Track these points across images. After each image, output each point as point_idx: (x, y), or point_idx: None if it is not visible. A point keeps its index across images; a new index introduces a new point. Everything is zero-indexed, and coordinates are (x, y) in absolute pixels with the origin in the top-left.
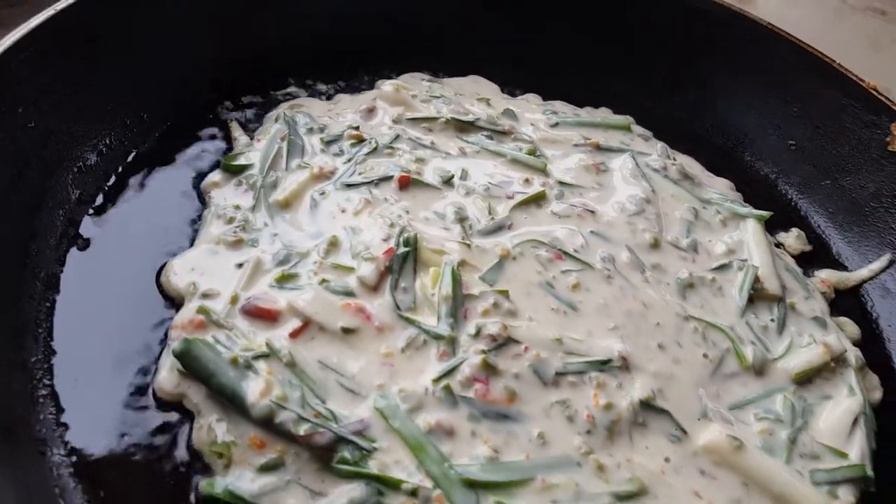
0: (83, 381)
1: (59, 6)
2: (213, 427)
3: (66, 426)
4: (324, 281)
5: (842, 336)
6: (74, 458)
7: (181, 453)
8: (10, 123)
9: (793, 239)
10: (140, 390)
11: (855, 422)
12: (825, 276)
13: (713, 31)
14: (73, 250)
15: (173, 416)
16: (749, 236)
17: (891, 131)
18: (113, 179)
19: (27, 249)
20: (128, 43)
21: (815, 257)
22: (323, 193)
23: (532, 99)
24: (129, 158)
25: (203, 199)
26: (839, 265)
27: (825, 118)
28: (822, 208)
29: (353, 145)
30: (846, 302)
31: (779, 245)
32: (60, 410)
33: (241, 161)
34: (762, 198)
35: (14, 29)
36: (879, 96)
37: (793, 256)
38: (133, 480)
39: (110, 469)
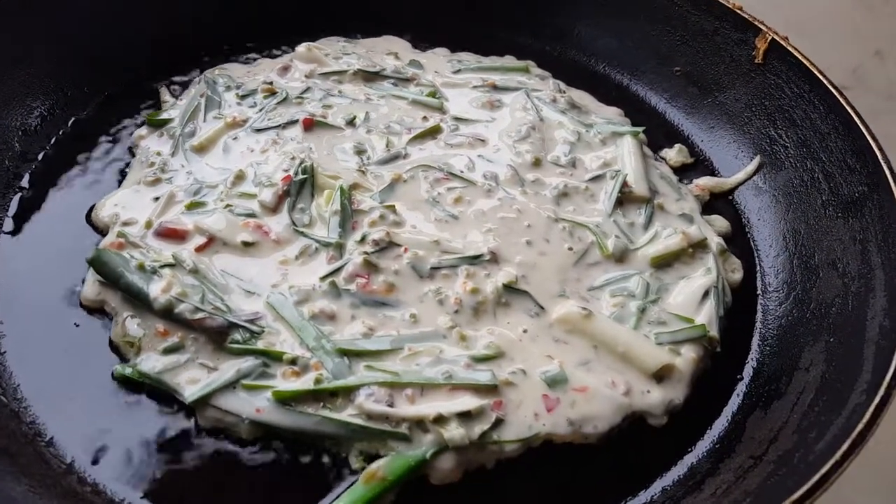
0: (20, 298)
1: None
2: (125, 323)
3: (2, 334)
4: (228, 206)
5: (705, 227)
6: (9, 355)
7: (103, 349)
8: None
9: (674, 153)
10: (70, 302)
11: (706, 295)
12: (702, 182)
13: None
14: (16, 197)
15: (96, 321)
16: (623, 149)
17: (755, 45)
18: (54, 140)
19: None
20: (61, 22)
21: (697, 168)
22: (235, 139)
23: (440, 51)
24: (69, 124)
25: (133, 152)
26: (719, 175)
27: (702, 42)
28: (704, 125)
29: (265, 97)
30: (721, 205)
31: (661, 159)
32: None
33: (164, 116)
34: (652, 123)
35: None
36: (743, 14)
37: (675, 168)
38: (61, 372)
39: (40, 359)
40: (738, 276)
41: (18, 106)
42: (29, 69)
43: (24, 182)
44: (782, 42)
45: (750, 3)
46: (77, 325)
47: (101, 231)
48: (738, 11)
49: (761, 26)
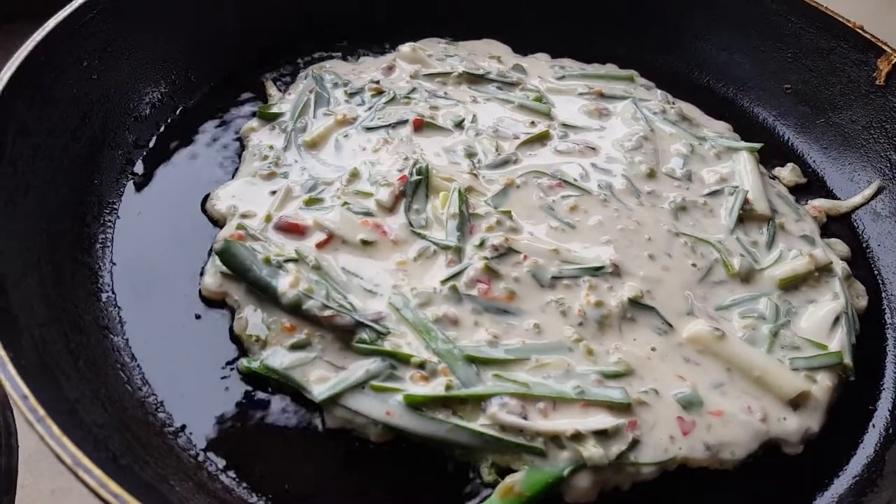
0: (140, 287)
1: None
2: (249, 317)
3: (124, 321)
4: (345, 203)
5: (829, 250)
6: (132, 344)
7: (225, 341)
8: (76, 75)
9: (787, 172)
10: (189, 294)
11: (836, 320)
12: (818, 203)
13: None
14: (130, 184)
15: (218, 313)
16: (741, 166)
17: (877, 66)
18: (163, 128)
19: (91, 180)
20: (174, 14)
21: (810, 189)
22: (346, 136)
23: (541, 57)
24: (177, 112)
25: (242, 143)
26: (833, 196)
27: (817, 60)
28: (816, 145)
29: (373, 96)
30: (839, 228)
31: (774, 178)
32: (119, 308)
33: (275, 110)
34: (761, 139)
35: None
36: (865, 34)
37: (788, 188)
38: (184, 364)
39: (164, 354)
40: (863, 302)
41: (130, 91)
42: (140, 55)
43: (138, 168)
44: None
45: (871, 24)
46: (198, 317)
47: (217, 222)
48: (859, 31)
49: (885, 47)
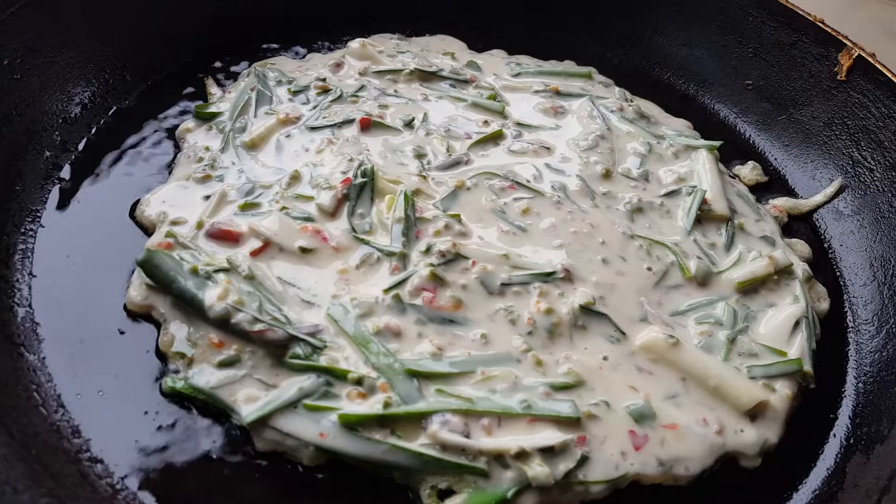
0: (61, 301)
1: None
2: (175, 332)
3: (40, 338)
4: (284, 208)
5: (789, 251)
6: (49, 363)
7: (149, 359)
8: None
9: (748, 170)
10: (113, 307)
11: (796, 325)
12: (779, 202)
13: None
14: (55, 189)
15: (145, 327)
16: (699, 165)
17: (838, 61)
18: (94, 130)
19: (13, 185)
20: (107, 7)
21: (772, 187)
22: (288, 136)
23: (497, 53)
24: (110, 113)
25: (178, 145)
26: (795, 195)
27: (778, 55)
28: (778, 142)
29: (318, 94)
30: (801, 227)
31: (735, 177)
32: (36, 324)
33: (212, 109)
34: (721, 137)
35: None
36: (826, 28)
37: (749, 187)
38: (104, 384)
39: (83, 373)
40: (824, 305)
41: (59, 92)
42: (70, 53)
43: (65, 173)
44: (869, 58)
45: (833, 20)
46: (122, 333)
47: (146, 229)
48: (820, 25)
49: (846, 41)
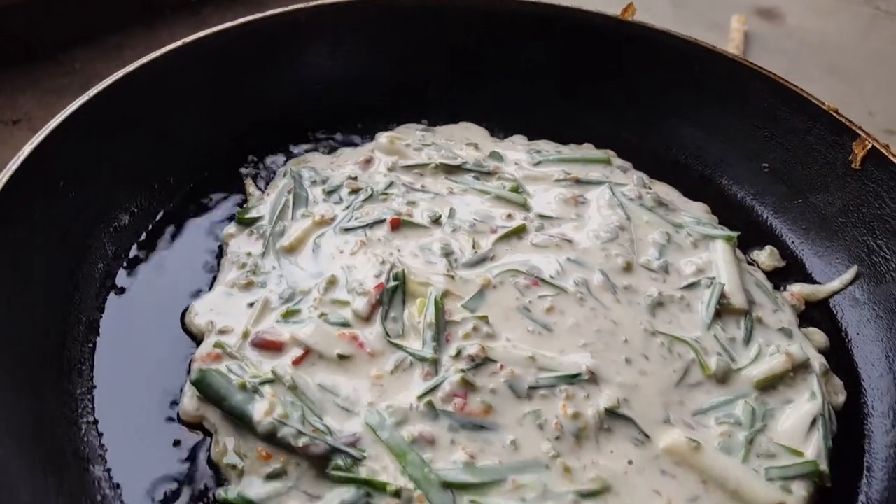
0: (121, 409)
1: (91, 93)
2: (227, 443)
3: (105, 448)
4: (322, 315)
5: (806, 344)
6: (114, 473)
7: (203, 469)
8: (54, 195)
9: (766, 256)
10: (169, 416)
11: (813, 423)
12: (797, 289)
13: (686, 66)
14: (111, 298)
15: (197, 436)
16: (717, 255)
17: (852, 149)
18: (144, 236)
19: (71, 299)
20: (150, 120)
21: (789, 273)
22: (322, 236)
23: (518, 139)
24: (158, 217)
25: (221, 249)
26: (811, 280)
27: (793, 140)
28: (795, 226)
29: (350, 193)
30: (818, 314)
31: (752, 263)
32: (100, 434)
33: (253, 214)
34: (739, 219)
35: (51, 119)
36: (839, 118)
37: (766, 272)
38: (162, 494)
39: (144, 483)
40: (841, 398)
41: (109, 203)
42: (116, 167)
43: (118, 280)
44: (882, 150)
45: (845, 108)
46: (177, 444)
47: (196, 336)
48: (833, 114)
49: (859, 131)
